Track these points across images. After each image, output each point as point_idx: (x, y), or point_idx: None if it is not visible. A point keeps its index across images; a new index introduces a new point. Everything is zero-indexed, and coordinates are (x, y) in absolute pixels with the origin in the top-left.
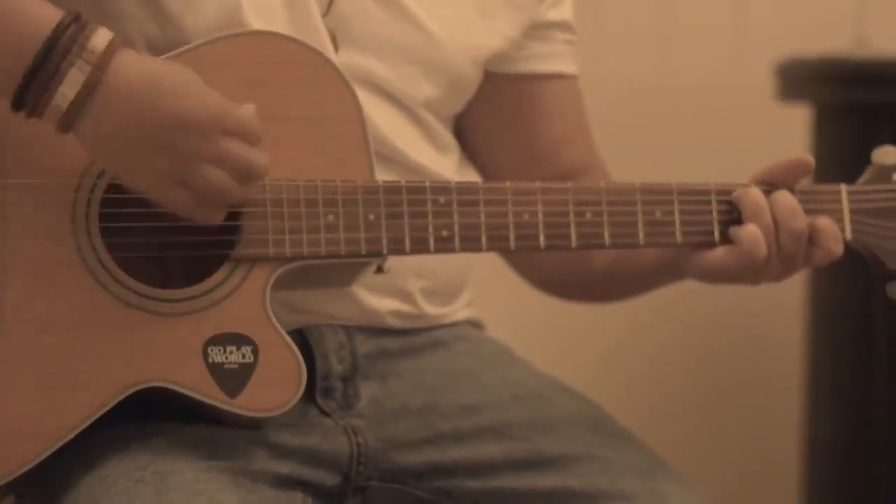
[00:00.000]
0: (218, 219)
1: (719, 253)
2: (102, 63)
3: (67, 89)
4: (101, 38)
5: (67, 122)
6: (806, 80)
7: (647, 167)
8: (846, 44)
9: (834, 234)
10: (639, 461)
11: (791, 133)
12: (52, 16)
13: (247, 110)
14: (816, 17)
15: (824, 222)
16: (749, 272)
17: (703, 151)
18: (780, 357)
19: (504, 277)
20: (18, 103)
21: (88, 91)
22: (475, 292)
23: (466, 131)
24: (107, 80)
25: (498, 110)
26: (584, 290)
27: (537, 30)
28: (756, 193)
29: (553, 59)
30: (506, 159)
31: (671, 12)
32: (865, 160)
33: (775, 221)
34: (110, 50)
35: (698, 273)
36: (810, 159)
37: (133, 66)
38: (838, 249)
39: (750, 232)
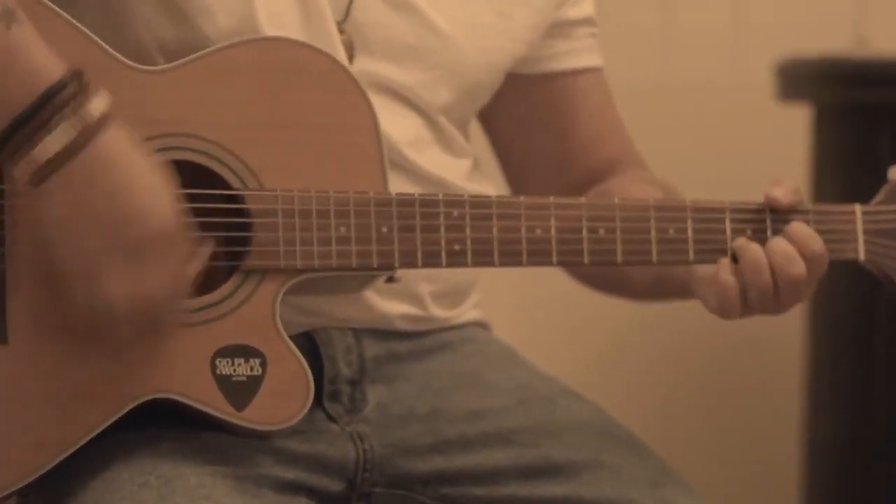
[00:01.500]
0: (128, 335)
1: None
2: (95, 128)
3: (52, 143)
4: (99, 102)
5: (40, 176)
6: (806, 80)
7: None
8: (846, 44)
9: (787, 254)
10: (647, 469)
11: (791, 133)
12: (55, 69)
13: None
14: (816, 17)
15: (778, 246)
16: (726, 311)
17: (703, 151)
18: (780, 357)
19: (509, 279)
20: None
21: (72, 151)
22: (481, 293)
23: (498, 135)
24: (91, 147)
25: (528, 111)
26: (631, 293)
27: (559, 28)
28: (756, 251)
29: (578, 54)
30: (540, 160)
31: (671, 12)
32: (866, 160)
33: (772, 269)
34: (105, 118)
35: (696, 296)
36: (789, 185)
37: (114, 142)
38: (795, 271)
39: (723, 281)
